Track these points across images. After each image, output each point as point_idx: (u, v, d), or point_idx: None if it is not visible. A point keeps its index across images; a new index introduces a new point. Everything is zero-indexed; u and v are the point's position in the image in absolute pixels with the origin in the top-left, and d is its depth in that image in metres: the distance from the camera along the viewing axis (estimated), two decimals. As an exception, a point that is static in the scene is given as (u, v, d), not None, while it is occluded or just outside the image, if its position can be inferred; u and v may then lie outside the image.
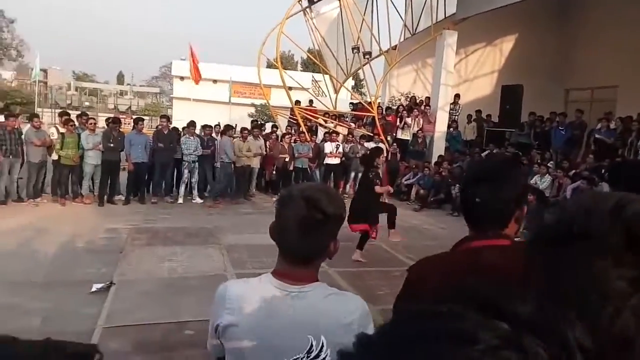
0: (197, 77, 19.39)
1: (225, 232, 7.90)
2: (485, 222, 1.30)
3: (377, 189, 6.63)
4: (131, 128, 10.95)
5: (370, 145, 12.72)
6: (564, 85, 16.16)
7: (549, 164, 10.75)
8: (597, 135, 10.99)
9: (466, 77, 16.56)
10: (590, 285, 0.51)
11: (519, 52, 16.31)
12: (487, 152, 12.19)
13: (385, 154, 12.83)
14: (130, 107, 46.31)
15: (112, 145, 9.67)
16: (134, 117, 14.30)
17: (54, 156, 9.50)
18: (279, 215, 1.28)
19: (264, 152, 11.27)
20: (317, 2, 15.98)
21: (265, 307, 1.25)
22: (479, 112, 14.95)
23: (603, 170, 9.65)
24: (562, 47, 16.04)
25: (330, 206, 1.23)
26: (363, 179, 6.87)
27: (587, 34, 15.01)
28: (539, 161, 10.86)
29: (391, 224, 6.93)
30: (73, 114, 11.06)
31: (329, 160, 11.95)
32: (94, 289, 5.03)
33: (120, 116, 22.09)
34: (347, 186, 12.49)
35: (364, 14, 14.67)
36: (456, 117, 14.62)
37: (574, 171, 10.08)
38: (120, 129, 10.19)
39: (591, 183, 8.68)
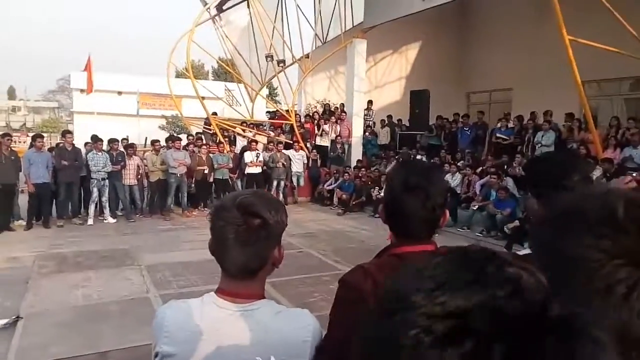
0: (89, 88, 18.23)
1: (144, 252, 7.44)
2: (415, 231, 1.31)
3: None
4: (28, 146, 9.96)
5: (291, 152, 12.79)
6: (465, 89, 17.40)
7: (458, 163, 11.46)
8: (497, 134, 11.91)
9: (377, 84, 17.21)
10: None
11: (424, 58, 17.29)
12: (398, 156, 12.67)
13: (307, 162, 13.06)
14: (24, 124, 42.46)
15: (3, 163, 8.69)
16: (31, 134, 13.08)
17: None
18: (213, 229, 1.18)
19: (188, 163, 10.78)
20: (226, 10, 15.78)
21: (208, 330, 1.15)
22: (389, 117, 15.61)
23: (505, 166, 10.49)
24: (462, 53, 17.28)
25: (267, 210, 1.16)
26: None
27: (484, 41, 16.29)
28: (449, 161, 11.54)
29: None
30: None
31: (250, 170, 11.76)
32: (-3, 326, 4.47)
33: (15, 134, 20.09)
34: (270, 195, 12.38)
35: (275, 22, 14.74)
36: (370, 122, 15.13)
37: (480, 168, 10.82)
38: (12, 147, 9.19)
39: (498, 178, 9.36)
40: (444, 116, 14.05)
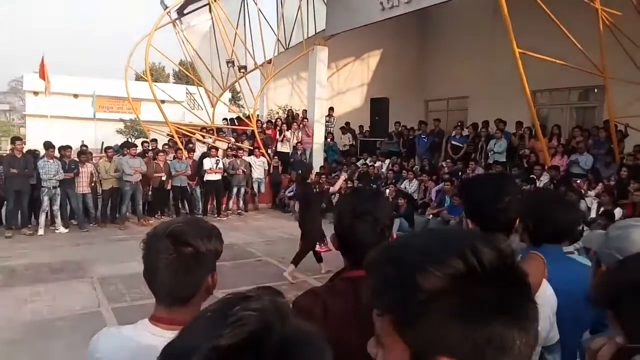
0: (47, 89, 17.55)
1: (97, 263, 7.26)
2: (364, 255, 1.37)
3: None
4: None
5: (251, 159, 12.74)
6: (424, 97, 17.81)
7: (414, 169, 11.74)
8: (452, 142, 12.26)
9: (339, 90, 17.38)
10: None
11: (384, 66, 17.60)
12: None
13: (268, 168, 13.03)
14: (-28, 127, 40.36)
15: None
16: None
17: None
18: (145, 258, 1.21)
19: (144, 171, 10.54)
20: (187, 14, 15.57)
21: (142, 358, 1.14)
22: (347, 123, 15.81)
23: (460, 173, 10.82)
24: (422, 61, 17.69)
25: (199, 238, 1.18)
26: (309, 199, 6.88)
27: (442, 50, 16.74)
28: (406, 167, 11.80)
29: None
30: None
31: (209, 177, 11.62)
32: None
33: (-40, 138, 19.09)
34: (230, 202, 12.29)
35: (237, 28, 14.67)
36: (331, 128, 15.27)
37: (435, 175, 11.12)
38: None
39: (452, 185, 9.65)
40: (402, 123, 14.35)
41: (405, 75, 17.16)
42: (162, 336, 1.17)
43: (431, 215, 9.64)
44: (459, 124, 12.72)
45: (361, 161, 13.61)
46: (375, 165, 12.82)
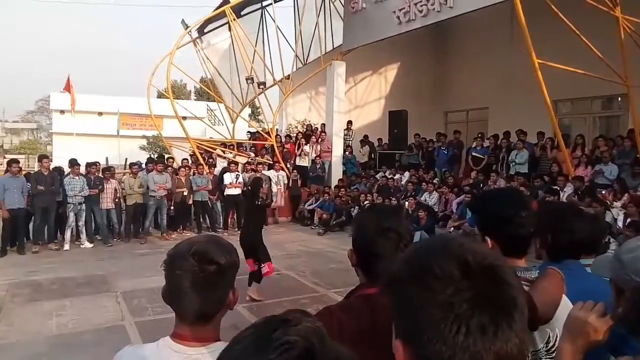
0: (73, 107, 18.17)
1: (121, 278, 7.37)
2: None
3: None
4: (4, 171, 9.82)
5: (271, 173, 12.84)
6: (443, 108, 17.73)
7: (434, 181, 11.65)
8: (473, 153, 12.15)
9: (357, 104, 17.46)
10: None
11: (402, 79, 17.62)
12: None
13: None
14: (2, 146, 41.74)
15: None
16: (7, 157, 12.91)
17: None
18: (169, 278, 1.21)
19: (169, 187, 10.72)
20: (207, 33, 15.92)
21: None
22: (366, 136, 15.84)
23: (481, 185, 10.69)
24: (440, 73, 17.65)
25: (222, 255, 1.20)
26: (250, 212, 6.76)
27: (461, 61, 16.70)
28: (426, 180, 11.72)
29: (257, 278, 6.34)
30: None
31: (229, 191, 11.75)
32: (-35, 361, 4.39)
33: (-10, 156, 19.70)
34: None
35: (256, 45, 14.92)
36: (350, 142, 15.30)
37: (456, 187, 11.01)
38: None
39: (473, 197, 9.53)
40: (421, 135, 14.30)
41: (424, 87, 17.15)
42: (184, 353, 1.19)
43: (452, 228, 9.53)
44: (480, 135, 12.60)
45: (380, 174, 13.59)
46: (395, 177, 12.78)
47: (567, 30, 8.75)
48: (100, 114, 32.86)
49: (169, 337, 1.23)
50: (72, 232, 9.71)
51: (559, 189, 9.08)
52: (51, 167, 10.16)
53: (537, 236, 1.69)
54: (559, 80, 9.74)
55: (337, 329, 1.25)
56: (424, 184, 11.54)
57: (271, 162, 13.55)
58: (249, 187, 6.97)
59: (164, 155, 16.72)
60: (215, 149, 14.31)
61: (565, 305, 1.48)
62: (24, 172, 10.53)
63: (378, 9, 12.46)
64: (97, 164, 10.39)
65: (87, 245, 9.78)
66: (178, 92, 38.68)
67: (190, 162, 12.71)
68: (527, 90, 11.41)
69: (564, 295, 1.48)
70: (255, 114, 33.84)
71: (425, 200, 10.91)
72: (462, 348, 0.59)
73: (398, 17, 11.71)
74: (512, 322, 0.61)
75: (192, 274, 1.17)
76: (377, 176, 13.51)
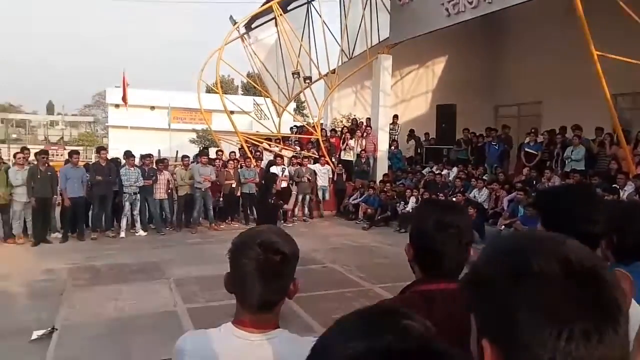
0: (124, 102, 18.99)
1: (173, 265, 7.64)
2: (448, 269, 1.33)
3: (287, 207, 6.73)
4: (65, 161, 10.39)
5: (316, 167, 12.92)
6: (493, 102, 17.20)
7: (484, 178, 11.35)
8: (526, 149, 11.73)
9: (403, 98, 17.23)
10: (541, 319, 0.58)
11: (451, 72, 17.22)
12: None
13: (332, 176, 13.14)
14: (62, 138, 44.13)
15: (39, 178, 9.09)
16: (67, 148, 13.65)
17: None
18: (234, 266, 1.24)
19: (213, 178, 11.05)
20: (254, 28, 16.17)
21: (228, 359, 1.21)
22: (412, 130, 15.62)
23: (534, 182, 10.33)
24: (491, 66, 17.11)
25: (286, 246, 1.23)
26: (264, 208, 6.81)
27: (513, 53, 16.14)
28: (476, 176, 11.43)
29: None
30: (1, 148, 10.36)
31: (275, 184, 11.91)
32: (34, 337, 4.69)
33: (52, 147, 20.91)
34: (296, 209, 12.52)
35: (302, 40, 15.00)
36: (396, 136, 15.14)
37: (507, 184, 10.67)
38: (49, 163, 9.60)
39: (526, 194, 9.22)
40: (470, 130, 13.96)
41: (473, 81, 16.67)
42: (247, 339, 1.23)
43: (503, 226, 9.25)
44: (533, 130, 12.13)
45: (427, 169, 13.38)
46: (442, 173, 12.54)
47: (628, 19, 8.26)
48: (152, 107, 34.08)
49: (231, 323, 1.26)
50: (127, 220, 10.15)
51: (618, 187, 8.63)
52: (108, 158, 10.65)
53: (603, 237, 1.62)
54: (620, 73, 9.20)
55: None
56: (473, 180, 11.27)
57: (316, 156, 13.62)
58: (263, 182, 7.05)
59: (207, 148, 17.19)
60: (261, 143, 14.54)
61: (635, 311, 1.41)
62: (83, 163, 11.10)
63: (426, 1, 12.21)
64: (151, 156, 10.81)
65: (142, 233, 10.21)
66: (226, 87, 39.46)
67: (237, 155, 12.99)
68: (583, 83, 10.88)
69: (632, 300, 1.42)
70: (300, 108, 34.08)
71: (475, 197, 10.65)
72: (564, 353, 0.55)
73: (447, 9, 11.44)
74: (617, 327, 0.57)
75: (257, 263, 1.20)
76: (424, 171, 13.31)
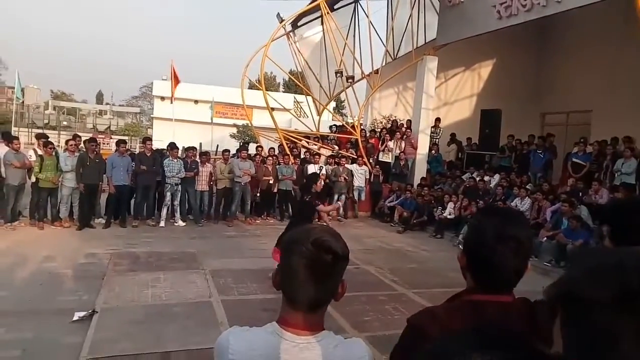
0: (172, 95, 19.36)
1: (209, 257, 7.79)
2: (503, 282, 1.28)
3: (322, 208, 6.65)
4: (113, 149, 10.76)
5: (354, 167, 12.87)
6: (540, 109, 16.63)
7: (527, 187, 10.98)
8: (574, 159, 11.28)
9: (446, 101, 16.91)
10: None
11: (497, 76, 16.77)
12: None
13: (369, 177, 13.05)
14: (109, 127, 45.78)
15: (88, 165, 9.45)
16: (114, 137, 14.13)
17: (32, 179, 9.31)
18: (286, 262, 1.22)
19: (253, 173, 11.19)
20: (300, 26, 16.25)
21: None
22: (453, 135, 15.32)
23: (580, 194, 9.91)
24: (539, 72, 16.58)
25: (339, 246, 1.20)
26: (301, 206, 6.79)
27: (562, 60, 15.55)
28: (519, 184, 11.08)
29: None
30: (52, 134, 10.85)
31: (312, 182, 11.94)
32: (76, 318, 4.89)
33: (99, 136, 21.65)
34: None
35: (347, 39, 14.96)
36: (437, 140, 14.87)
37: (551, 195, 10.29)
38: (97, 151, 9.97)
39: (571, 206, 8.87)
40: (515, 137, 13.55)
41: (520, 87, 16.18)
42: (293, 341, 1.19)
43: (545, 238, 8.93)
44: (582, 140, 11.65)
45: (467, 175, 13.08)
46: (484, 179, 12.22)
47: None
48: (196, 102, 34.88)
49: (276, 323, 1.24)
50: (167, 210, 10.43)
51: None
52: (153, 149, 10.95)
53: None
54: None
55: (440, 334, 1.20)
56: (515, 188, 10.93)
57: (354, 157, 13.57)
58: (305, 180, 7.03)
59: (248, 144, 17.41)
60: (300, 140, 14.61)
61: None
62: (128, 153, 11.48)
63: (477, 3, 11.91)
64: (195, 149, 11.05)
65: (180, 223, 10.46)
66: (267, 84, 39.89)
67: (276, 151, 13.10)
68: (637, 93, 10.36)
69: None
70: (339, 108, 34.03)
71: (517, 206, 10.32)
72: None
73: (498, 12, 11.13)
74: None
75: (310, 261, 1.17)
76: (464, 177, 13.01)
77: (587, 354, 0.57)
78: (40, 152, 9.42)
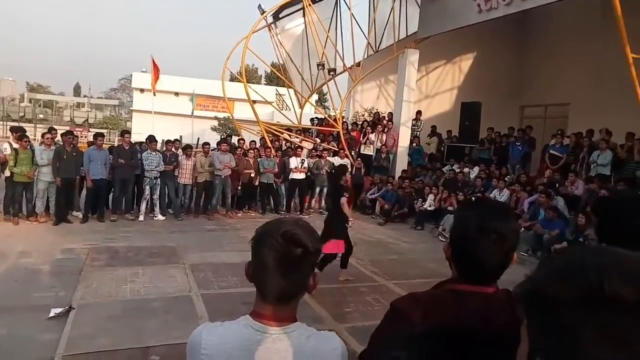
0: (154, 88, 19.16)
1: (189, 251, 7.73)
2: (486, 275, 1.28)
3: (344, 202, 6.65)
4: (88, 144, 10.52)
5: (336, 160, 12.87)
6: (519, 102, 16.86)
7: (506, 178, 11.14)
8: (551, 151, 11.46)
9: (427, 94, 17.01)
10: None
11: (478, 69, 16.92)
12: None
13: (349, 169, 13.06)
14: (87, 120, 44.92)
15: (65, 158, 9.26)
16: (92, 130, 13.86)
17: (7, 173, 9.08)
18: (256, 255, 1.22)
19: (233, 166, 11.09)
20: (282, 18, 16.11)
21: (244, 352, 1.19)
22: (434, 127, 15.42)
23: (557, 184, 10.10)
24: (518, 65, 16.77)
25: (309, 240, 1.20)
26: (337, 197, 6.79)
27: (541, 54, 15.76)
28: (497, 176, 11.23)
29: (344, 264, 6.65)
30: (28, 127, 10.58)
31: (294, 176, 11.92)
32: (52, 314, 4.80)
33: (77, 129, 21.24)
34: (313, 201, 12.52)
35: (329, 32, 14.90)
36: (418, 132, 14.96)
37: (528, 186, 10.46)
38: (75, 144, 9.76)
39: (548, 197, 9.03)
40: (495, 129, 13.71)
41: (500, 80, 16.35)
42: (264, 332, 1.20)
43: (523, 228, 9.09)
44: (559, 132, 11.85)
45: (447, 167, 13.21)
46: (464, 171, 12.36)
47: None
48: (176, 94, 34.43)
49: (249, 316, 1.24)
50: (147, 204, 10.29)
51: (645, 194, 8.37)
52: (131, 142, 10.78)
53: None
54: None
55: (421, 319, 1.20)
56: (494, 180, 11.08)
57: (336, 149, 13.57)
58: (332, 173, 7.00)
59: (230, 136, 17.28)
60: (282, 133, 14.55)
61: None
62: (106, 146, 11.27)
63: (457, -4, 11.97)
64: (178, 141, 10.87)
65: (160, 217, 10.34)
66: (249, 76, 39.59)
67: (257, 144, 13.02)
68: (615, 87, 10.56)
69: None
70: (321, 100, 33.97)
71: (495, 197, 10.47)
72: None
73: (479, 5, 11.20)
74: None
75: (279, 254, 1.18)
76: (444, 169, 13.14)
77: (552, 351, 0.58)
78: (15, 145, 9.18)
